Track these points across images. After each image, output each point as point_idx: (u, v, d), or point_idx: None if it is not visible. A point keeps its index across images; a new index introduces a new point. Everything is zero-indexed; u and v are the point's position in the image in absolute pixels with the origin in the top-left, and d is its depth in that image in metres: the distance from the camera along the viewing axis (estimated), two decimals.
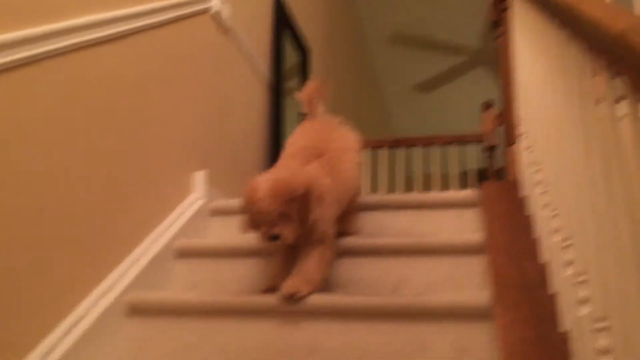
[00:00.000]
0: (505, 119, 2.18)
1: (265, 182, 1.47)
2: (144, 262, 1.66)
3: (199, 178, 2.12)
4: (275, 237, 1.46)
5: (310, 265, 1.52)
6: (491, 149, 3.37)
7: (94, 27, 1.55)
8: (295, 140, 1.80)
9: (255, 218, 1.47)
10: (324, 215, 1.56)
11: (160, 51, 1.94)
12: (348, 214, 1.83)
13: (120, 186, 1.63)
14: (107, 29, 1.62)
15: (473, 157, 3.56)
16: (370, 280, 1.68)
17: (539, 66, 1.48)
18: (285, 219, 1.46)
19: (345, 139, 1.83)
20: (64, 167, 1.40)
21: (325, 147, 1.71)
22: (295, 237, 1.49)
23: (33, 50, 1.32)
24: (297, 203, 1.46)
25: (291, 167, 1.58)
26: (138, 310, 1.55)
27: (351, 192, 1.76)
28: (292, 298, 1.46)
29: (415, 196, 1.99)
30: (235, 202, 2.13)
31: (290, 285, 1.48)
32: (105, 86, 1.60)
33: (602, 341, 0.87)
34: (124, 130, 1.68)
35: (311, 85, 2.00)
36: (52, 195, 1.35)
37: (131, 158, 1.71)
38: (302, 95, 1.99)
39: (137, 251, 1.68)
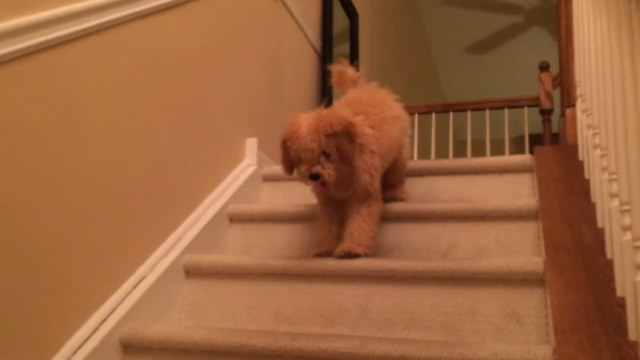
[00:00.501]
0: (562, 81, 2.10)
1: (306, 119, 1.48)
2: (200, 226, 1.73)
3: (251, 145, 2.16)
4: (315, 176, 1.46)
5: (361, 227, 1.55)
6: (547, 112, 3.26)
7: None
8: (339, 102, 1.79)
9: (296, 155, 1.48)
10: (366, 164, 1.56)
11: (216, 19, 1.96)
12: (396, 180, 1.83)
13: (178, 152, 1.69)
14: None
15: (528, 121, 3.45)
16: (420, 245, 1.69)
17: (600, 25, 1.41)
18: (326, 158, 1.46)
19: (391, 107, 1.81)
20: (125, 135, 1.46)
21: (370, 111, 1.70)
22: (336, 179, 1.48)
23: (96, 19, 1.36)
24: (338, 141, 1.46)
25: (334, 108, 1.58)
26: (195, 272, 1.61)
27: (394, 153, 1.75)
28: (348, 255, 1.50)
29: (466, 161, 1.96)
30: None
31: (345, 246, 1.52)
32: (164, 55, 1.64)
33: None
34: (183, 97, 1.73)
35: (337, 68, 1.95)
36: (112, 161, 1.41)
37: (189, 125, 1.76)
38: (333, 79, 1.97)
39: (194, 215, 1.74)
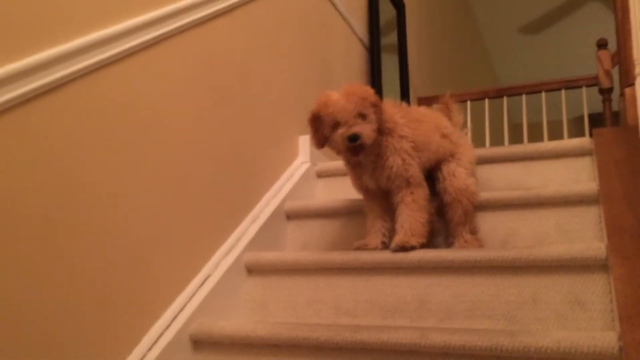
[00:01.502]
0: (621, 59, 2.02)
1: (336, 91, 1.52)
2: (259, 224, 1.78)
3: (304, 142, 2.20)
4: (355, 138, 1.46)
5: (410, 217, 1.55)
6: (606, 91, 3.14)
7: (208, 3, 1.66)
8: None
9: (331, 120, 1.49)
10: (395, 147, 1.56)
11: (265, 21, 2.02)
12: (455, 217, 1.66)
13: (236, 153, 1.75)
14: (219, 2, 1.71)
15: (587, 101, 3.33)
16: (481, 237, 1.68)
17: None
18: (363, 119, 1.48)
19: (458, 140, 1.75)
20: (189, 139, 1.52)
21: (410, 114, 1.68)
22: (374, 142, 1.49)
23: (153, 32, 1.43)
24: (371, 105, 1.49)
25: None
26: (256, 270, 1.67)
27: (435, 153, 1.68)
28: (403, 248, 1.51)
29: (522, 147, 1.93)
30: (338, 164, 2.19)
31: (399, 239, 1.53)
32: (220, 59, 1.71)
33: None
34: (238, 100, 1.79)
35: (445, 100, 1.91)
36: (178, 166, 1.48)
37: (243, 126, 1.82)
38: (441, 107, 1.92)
39: (253, 214, 1.80)
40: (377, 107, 1.52)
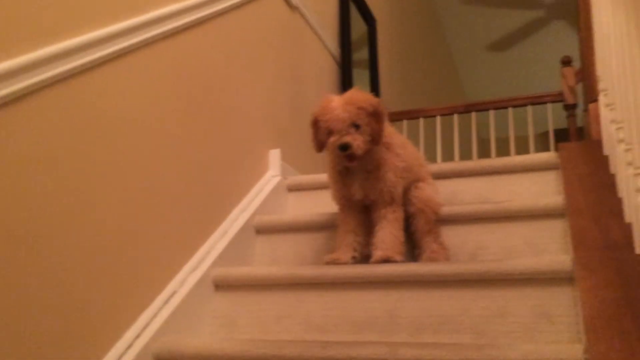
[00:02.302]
0: (585, 75, 2.07)
1: (339, 96, 1.56)
2: (227, 239, 1.75)
3: (274, 156, 2.19)
4: (345, 147, 1.50)
5: (392, 234, 1.58)
6: (571, 107, 3.21)
7: (177, 15, 1.64)
8: None
9: (326, 127, 1.53)
10: (392, 163, 1.60)
11: (236, 35, 2.01)
12: (420, 225, 1.69)
13: (204, 167, 1.73)
14: (188, 15, 1.70)
15: (552, 117, 3.40)
16: (448, 247, 1.68)
17: (619, 16, 1.40)
18: (357, 129, 1.51)
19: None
20: (155, 153, 1.49)
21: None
22: (364, 151, 1.52)
23: (123, 43, 1.41)
24: (369, 117, 1.52)
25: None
26: (225, 285, 1.64)
27: (415, 176, 1.73)
28: (387, 262, 1.52)
29: (490, 162, 1.95)
30: (309, 177, 2.18)
31: (382, 253, 1.54)
32: (189, 72, 1.69)
33: None
34: (208, 113, 1.77)
35: None
36: (144, 180, 1.45)
37: (212, 140, 1.79)
38: None
39: (221, 229, 1.77)
40: (376, 117, 1.54)
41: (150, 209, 1.46)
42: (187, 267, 1.58)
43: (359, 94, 1.56)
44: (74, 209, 1.22)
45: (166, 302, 1.46)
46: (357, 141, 1.50)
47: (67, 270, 1.18)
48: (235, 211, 1.88)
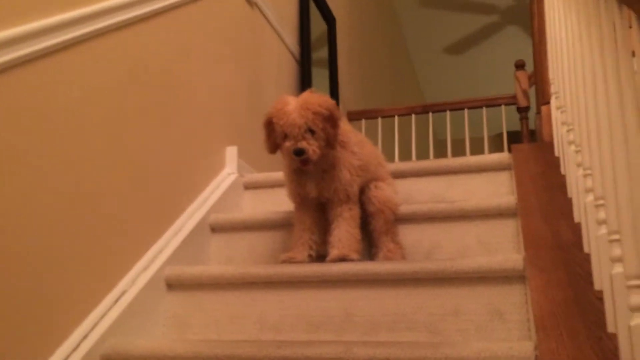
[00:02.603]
0: (537, 79, 2.12)
1: (295, 98, 1.53)
2: (181, 237, 1.71)
3: (231, 153, 2.15)
4: (300, 152, 1.49)
5: (348, 232, 1.57)
6: (524, 110, 3.30)
7: (132, 6, 1.59)
8: None
9: (281, 131, 1.51)
10: (347, 161, 1.59)
11: (194, 28, 1.96)
12: (379, 226, 1.69)
13: (157, 163, 1.68)
14: (144, 6, 1.65)
15: (506, 119, 3.48)
16: (404, 246, 1.69)
17: (570, 22, 1.44)
18: (312, 135, 1.50)
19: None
20: (107, 147, 1.44)
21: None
22: (319, 157, 1.51)
23: (73, 32, 1.35)
24: (324, 121, 1.51)
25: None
26: (178, 284, 1.60)
27: (373, 174, 1.73)
28: (343, 260, 1.51)
29: (446, 162, 1.97)
30: (266, 175, 2.16)
31: (338, 252, 1.53)
32: (144, 65, 1.63)
33: (636, 298, 0.86)
34: (162, 107, 1.72)
35: None
36: (95, 175, 1.40)
37: (168, 135, 1.74)
38: None
39: (175, 226, 1.72)
40: (331, 122, 1.52)
41: (98, 204, 1.41)
42: (138, 266, 1.53)
43: (315, 97, 1.54)
44: (15, 203, 1.16)
45: (116, 301, 1.41)
46: (313, 146, 1.49)
47: (9, 268, 1.13)
48: (190, 208, 1.83)
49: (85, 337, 1.28)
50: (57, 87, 1.30)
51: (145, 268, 1.55)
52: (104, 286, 1.40)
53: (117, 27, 1.53)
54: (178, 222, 1.75)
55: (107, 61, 1.48)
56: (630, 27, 0.93)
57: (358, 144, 1.66)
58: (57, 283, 1.25)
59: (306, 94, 1.55)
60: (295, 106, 1.50)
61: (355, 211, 1.62)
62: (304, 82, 3.01)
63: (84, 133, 1.38)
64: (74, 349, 1.25)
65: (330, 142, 1.54)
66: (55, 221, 1.26)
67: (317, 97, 1.54)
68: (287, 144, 1.50)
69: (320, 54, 3.38)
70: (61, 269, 1.26)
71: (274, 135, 1.54)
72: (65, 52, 1.33)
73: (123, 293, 1.44)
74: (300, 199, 1.65)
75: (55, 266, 1.24)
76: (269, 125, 1.55)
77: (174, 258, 1.64)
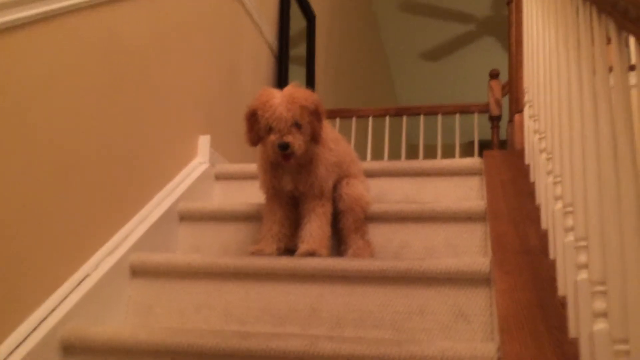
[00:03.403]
0: (512, 88, 2.16)
1: (280, 91, 1.51)
2: (148, 224, 1.68)
3: (204, 142, 2.12)
4: (285, 146, 1.46)
5: (320, 228, 1.57)
6: (496, 119, 3.35)
7: None
8: None
9: (266, 124, 1.48)
10: (325, 157, 1.59)
11: (171, 12, 1.92)
12: (348, 224, 1.70)
13: (126, 147, 1.64)
14: None
15: (477, 127, 3.54)
16: (373, 244, 1.70)
17: (549, 34, 1.46)
18: (298, 129, 1.48)
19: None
20: (75, 126, 1.40)
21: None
22: (303, 152, 1.50)
23: (46, 6, 1.31)
24: (310, 115, 1.49)
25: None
26: (142, 271, 1.57)
27: (346, 171, 1.74)
28: (312, 255, 1.51)
29: (418, 163, 1.99)
30: (238, 167, 2.14)
31: (308, 246, 1.53)
32: (118, 46, 1.59)
33: (599, 304, 0.88)
34: (135, 91, 1.68)
35: None
36: (60, 154, 1.36)
37: (139, 119, 1.71)
38: None
39: (142, 213, 1.69)
40: (317, 116, 1.52)
41: (62, 184, 1.36)
42: (102, 250, 1.49)
43: (301, 91, 1.52)
44: None
45: (78, 284, 1.37)
46: (298, 141, 1.48)
47: None
48: (159, 196, 1.80)
49: (44, 319, 1.25)
50: (23, 61, 1.25)
51: (109, 253, 1.51)
52: (66, 269, 1.36)
53: (93, 5, 1.49)
54: (146, 209, 1.72)
55: (79, 38, 1.44)
56: (609, 43, 0.96)
57: (334, 140, 1.67)
58: (17, 263, 1.21)
59: (291, 88, 1.53)
60: (281, 99, 1.47)
61: (328, 208, 1.62)
62: (281, 78, 2.99)
63: (49, 110, 1.33)
64: (33, 330, 1.21)
65: (315, 136, 1.53)
66: (15, 200, 1.21)
67: (303, 91, 1.52)
68: (272, 137, 1.48)
69: (298, 51, 3.36)
70: (22, 249, 1.22)
71: (257, 128, 1.52)
72: (36, 26, 1.29)
73: (86, 277, 1.40)
74: (274, 191, 1.64)
75: (16, 245, 1.20)
76: (252, 117, 1.52)
77: (140, 244, 1.61)
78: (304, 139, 1.50)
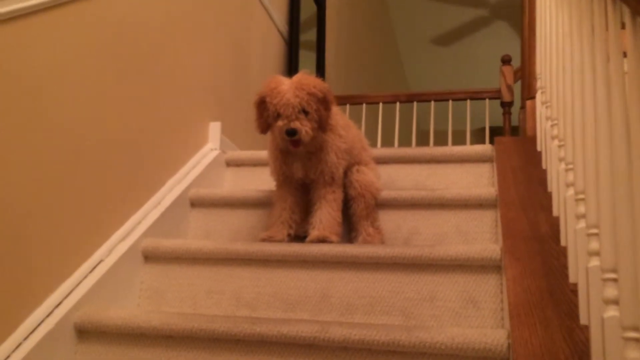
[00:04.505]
0: (524, 73, 2.14)
1: (288, 79, 1.52)
2: (160, 210, 1.70)
3: (214, 129, 2.13)
4: (293, 132, 1.47)
5: (329, 214, 1.57)
6: (507, 105, 3.32)
7: None
8: None
9: (274, 111, 1.49)
10: (335, 144, 1.59)
11: None
12: (358, 211, 1.70)
13: (138, 132, 1.65)
14: None
15: (489, 113, 3.51)
16: (383, 231, 1.70)
17: (562, 19, 1.44)
18: (306, 115, 1.49)
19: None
20: (88, 112, 1.41)
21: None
22: (311, 139, 1.50)
23: None
24: (318, 103, 1.50)
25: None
26: (155, 257, 1.59)
27: (357, 158, 1.74)
28: (323, 242, 1.52)
29: (429, 150, 1.98)
30: (249, 153, 2.15)
31: (318, 233, 1.54)
32: (129, 31, 1.60)
33: (610, 291, 0.88)
34: (145, 77, 1.69)
35: None
36: (73, 140, 1.37)
37: (151, 105, 1.72)
38: None
39: (154, 199, 1.71)
40: (325, 104, 1.52)
41: (77, 172, 1.38)
42: (116, 236, 1.51)
43: (310, 78, 1.52)
44: None
45: (91, 270, 1.39)
46: (306, 127, 1.48)
47: None
48: (171, 182, 1.82)
49: (59, 304, 1.27)
50: (36, 47, 1.26)
51: (122, 239, 1.53)
52: (81, 254, 1.38)
53: None
54: (158, 195, 1.73)
55: (90, 24, 1.44)
56: (623, 27, 0.94)
57: (344, 127, 1.66)
58: (33, 248, 1.22)
59: (300, 75, 1.53)
60: (289, 86, 1.48)
61: (339, 194, 1.62)
62: (292, 64, 2.98)
63: (63, 95, 1.34)
64: (48, 315, 1.23)
65: (322, 124, 1.53)
66: (32, 185, 1.23)
67: (312, 79, 1.52)
68: (280, 123, 1.49)
69: (308, 36, 3.35)
70: (38, 235, 1.24)
71: (266, 115, 1.53)
72: (48, 12, 1.29)
73: (99, 262, 1.42)
74: (284, 178, 1.64)
75: (32, 231, 1.22)
76: (261, 104, 1.53)
77: (152, 230, 1.63)
78: (311, 126, 1.50)
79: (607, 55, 1.00)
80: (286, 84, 1.49)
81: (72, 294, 1.31)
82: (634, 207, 0.81)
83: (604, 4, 1.02)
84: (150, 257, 1.59)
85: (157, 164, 1.76)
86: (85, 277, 1.37)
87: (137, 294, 1.54)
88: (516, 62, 3.00)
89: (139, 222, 1.62)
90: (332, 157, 1.59)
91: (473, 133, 4.03)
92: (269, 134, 1.62)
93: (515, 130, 2.91)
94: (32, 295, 1.22)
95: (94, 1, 1.46)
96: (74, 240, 1.36)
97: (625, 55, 0.94)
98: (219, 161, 2.10)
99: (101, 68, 1.49)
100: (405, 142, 3.92)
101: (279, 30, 2.91)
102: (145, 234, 1.60)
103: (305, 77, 1.53)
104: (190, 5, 1.99)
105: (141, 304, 1.54)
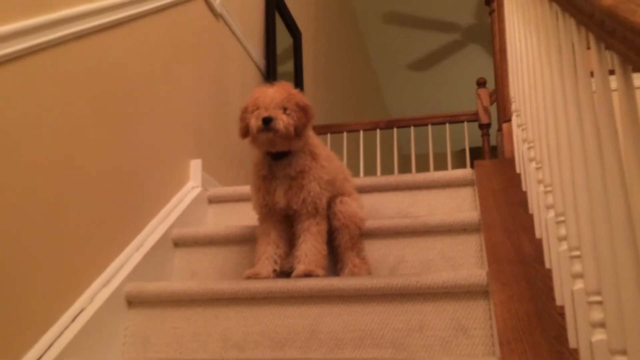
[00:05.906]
0: (499, 97, 2.17)
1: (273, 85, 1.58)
2: (143, 252, 1.67)
3: (195, 166, 2.12)
4: (268, 120, 1.49)
5: (315, 247, 1.57)
6: (485, 126, 3.37)
7: (94, 15, 1.56)
8: None
9: (256, 104, 1.53)
10: (317, 173, 1.60)
11: (157, 38, 1.93)
12: (343, 242, 1.70)
13: (118, 174, 1.63)
14: (106, 15, 1.62)
15: (468, 135, 3.55)
16: (369, 261, 1.69)
17: (531, 42, 1.48)
18: (284, 110, 1.52)
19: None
20: (65, 159, 1.40)
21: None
22: (286, 133, 1.51)
23: (31, 41, 1.31)
24: (297, 108, 1.54)
25: None
26: (138, 301, 1.56)
27: (340, 189, 1.74)
28: (309, 276, 1.50)
29: (410, 177, 1.99)
30: (231, 189, 2.14)
31: (304, 267, 1.52)
32: (105, 75, 1.60)
33: (597, 314, 0.88)
34: (123, 119, 1.68)
35: None
36: (52, 188, 1.35)
37: (130, 147, 1.70)
38: None
39: (136, 241, 1.68)
40: (304, 112, 1.55)
41: (54, 218, 1.36)
42: (98, 282, 1.48)
43: (290, 85, 1.59)
44: None
45: (74, 319, 1.36)
46: (283, 119, 1.51)
47: None
48: (153, 223, 1.79)
49: (40, 357, 1.23)
50: (11, 95, 1.25)
51: (105, 284, 1.50)
52: (61, 304, 1.35)
53: (77, 37, 1.49)
54: (140, 237, 1.71)
55: (66, 70, 1.44)
56: (588, 48, 0.96)
57: (327, 158, 1.67)
58: (10, 301, 1.19)
59: (284, 82, 1.60)
60: (272, 87, 1.55)
61: (323, 226, 1.61)
62: None
63: (40, 143, 1.33)
64: None
65: (299, 130, 1.54)
66: (6, 235, 1.20)
67: (292, 87, 1.59)
68: (256, 112, 1.52)
69: (286, 67, 3.38)
70: (14, 287, 1.21)
71: (248, 118, 1.55)
72: (23, 60, 1.29)
73: (81, 311, 1.39)
74: (267, 210, 1.63)
75: (6, 283, 1.19)
76: (244, 113, 1.57)
77: (135, 274, 1.60)
78: (289, 122, 1.52)
79: (576, 75, 1.02)
80: (268, 87, 1.57)
81: (52, 347, 1.27)
82: (613, 229, 0.81)
83: (569, 28, 1.04)
84: (134, 302, 1.56)
85: (138, 205, 1.74)
86: (67, 327, 1.33)
87: (121, 340, 1.50)
88: (491, 85, 3.06)
89: (122, 266, 1.59)
90: (314, 186, 1.59)
91: (454, 155, 4.06)
92: (251, 164, 1.62)
93: (494, 150, 2.94)
94: (12, 350, 1.18)
95: (69, 48, 1.45)
96: (54, 289, 1.33)
97: (592, 75, 0.96)
98: (201, 199, 2.09)
99: (79, 114, 1.48)
100: (387, 167, 3.94)
101: (256, 64, 2.94)
102: (129, 278, 1.57)
103: (290, 84, 1.59)
104: (167, 47, 2.00)
105: (126, 351, 1.50)
